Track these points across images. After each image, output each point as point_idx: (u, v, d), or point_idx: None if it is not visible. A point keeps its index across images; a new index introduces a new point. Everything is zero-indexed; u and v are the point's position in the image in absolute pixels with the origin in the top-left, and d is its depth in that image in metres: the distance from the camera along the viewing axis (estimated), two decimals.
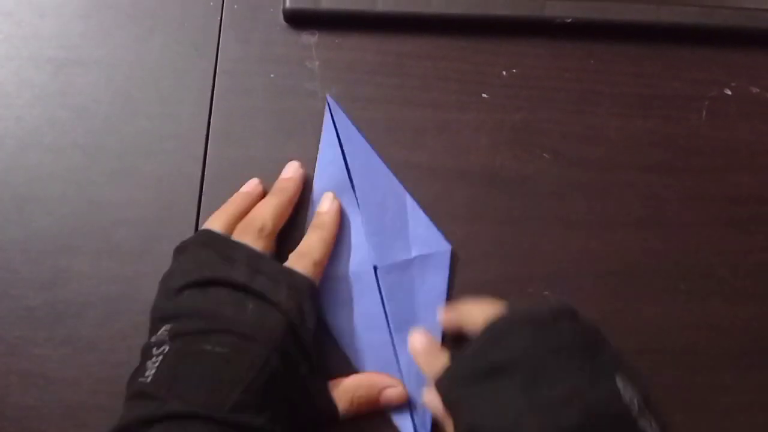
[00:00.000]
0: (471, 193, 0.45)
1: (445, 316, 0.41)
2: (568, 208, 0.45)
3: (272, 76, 0.47)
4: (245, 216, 0.40)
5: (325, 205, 0.43)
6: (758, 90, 0.50)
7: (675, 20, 0.49)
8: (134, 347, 0.40)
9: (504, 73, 0.48)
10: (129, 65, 0.46)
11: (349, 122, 0.45)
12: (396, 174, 0.45)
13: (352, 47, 0.48)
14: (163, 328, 0.35)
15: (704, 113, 0.49)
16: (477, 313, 0.37)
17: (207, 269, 0.36)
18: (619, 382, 0.31)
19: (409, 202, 0.44)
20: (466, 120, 0.47)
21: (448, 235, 0.44)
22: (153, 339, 0.35)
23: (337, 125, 0.45)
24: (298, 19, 0.48)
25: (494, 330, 0.34)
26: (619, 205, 0.46)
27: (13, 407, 0.39)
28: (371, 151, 0.45)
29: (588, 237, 0.45)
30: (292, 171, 0.43)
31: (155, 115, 0.45)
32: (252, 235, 0.39)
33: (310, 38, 0.48)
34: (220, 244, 0.38)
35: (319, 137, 0.45)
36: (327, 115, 0.45)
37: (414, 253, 0.42)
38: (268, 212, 0.40)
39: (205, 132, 0.45)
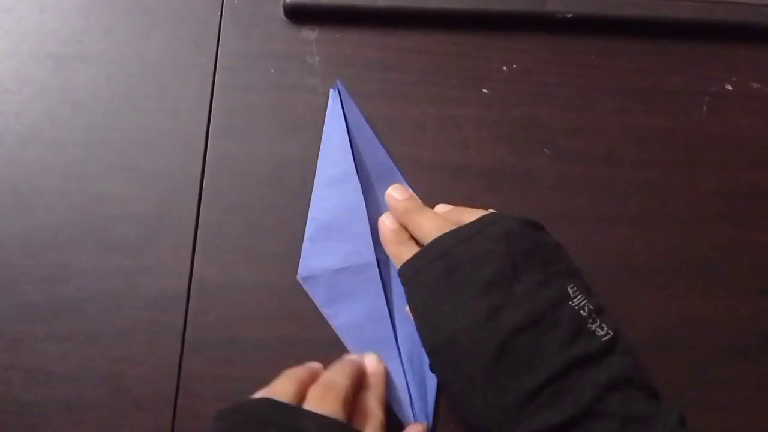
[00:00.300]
0: (471, 188, 0.45)
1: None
2: (569, 203, 0.45)
3: (272, 71, 0.47)
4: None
5: (372, 366, 0.39)
6: (759, 85, 0.50)
7: (676, 15, 0.49)
8: (135, 342, 0.40)
9: (504, 68, 0.48)
10: (129, 61, 0.46)
11: (357, 111, 0.45)
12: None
13: (353, 42, 0.48)
14: None
15: (705, 108, 0.49)
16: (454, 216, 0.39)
17: None
18: (571, 289, 0.34)
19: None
20: (466, 115, 0.47)
21: None
22: None
23: (346, 112, 0.44)
24: (298, 14, 0.48)
25: (461, 232, 0.36)
26: (619, 201, 0.46)
27: (13, 402, 0.39)
28: (377, 142, 0.45)
29: (588, 232, 0.45)
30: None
31: (155, 110, 0.45)
32: (335, 406, 0.33)
33: (310, 33, 0.48)
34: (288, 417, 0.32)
35: (320, 132, 0.45)
36: (335, 101, 0.45)
37: None
38: (347, 380, 0.36)
39: (205, 127, 0.45)
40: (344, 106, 0.44)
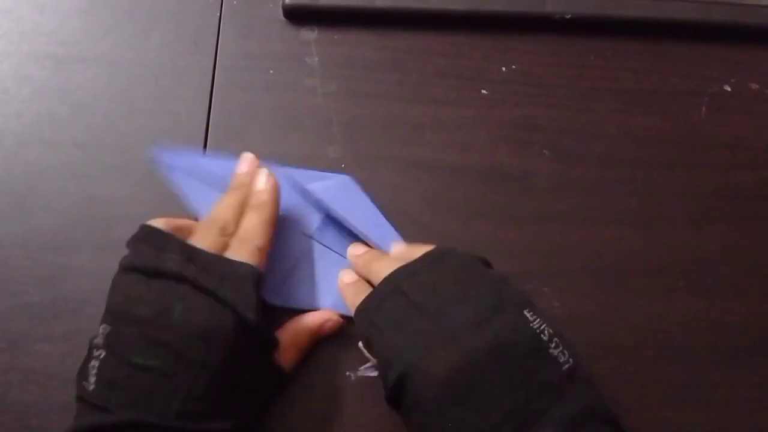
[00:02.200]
0: (470, 189, 0.45)
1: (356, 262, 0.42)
2: (568, 204, 0.45)
3: (271, 71, 0.47)
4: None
5: (261, 182, 0.39)
6: (758, 86, 0.50)
7: (675, 16, 0.49)
8: None
9: (504, 69, 0.48)
10: (129, 61, 0.46)
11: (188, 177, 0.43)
12: (395, 169, 0.45)
13: (352, 43, 0.48)
14: (101, 328, 0.33)
15: (704, 109, 0.49)
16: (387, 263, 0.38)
17: (147, 260, 0.35)
18: (528, 313, 0.33)
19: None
20: (465, 116, 0.47)
21: (446, 231, 0.44)
22: (94, 339, 0.34)
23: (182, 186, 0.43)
24: (297, 15, 0.48)
25: (410, 266, 0.36)
26: (618, 201, 0.46)
27: (12, 403, 0.39)
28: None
29: (587, 233, 0.45)
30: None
31: (155, 111, 0.45)
32: (214, 235, 0.37)
33: (309, 34, 0.48)
34: (161, 241, 0.36)
35: (319, 132, 0.46)
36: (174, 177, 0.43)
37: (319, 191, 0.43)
38: (227, 212, 0.38)
39: (204, 128, 0.45)
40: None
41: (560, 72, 0.48)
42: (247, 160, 0.41)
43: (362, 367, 0.40)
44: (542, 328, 0.32)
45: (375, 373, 0.40)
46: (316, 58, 0.48)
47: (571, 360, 0.32)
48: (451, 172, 0.45)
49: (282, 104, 0.46)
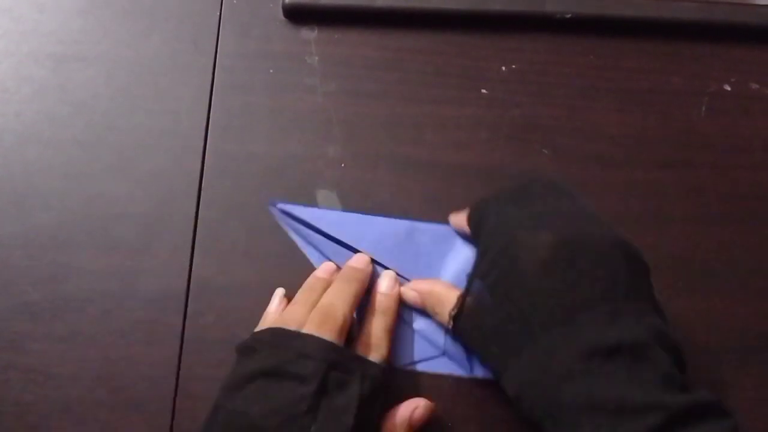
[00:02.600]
0: (470, 188, 0.45)
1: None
2: None
3: (271, 71, 0.47)
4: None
5: (387, 286, 0.41)
6: (758, 86, 0.50)
7: (675, 16, 0.49)
8: (133, 343, 0.40)
9: (503, 68, 0.48)
10: (128, 61, 0.46)
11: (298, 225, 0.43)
12: (395, 169, 0.45)
13: (352, 42, 0.48)
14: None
15: (704, 109, 0.49)
16: None
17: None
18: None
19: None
20: (465, 115, 0.47)
21: None
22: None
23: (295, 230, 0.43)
24: (297, 15, 0.48)
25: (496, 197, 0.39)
26: (617, 201, 0.46)
27: (12, 403, 0.39)
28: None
29: None
30: (363, 263, 0.41)
31: (154, 110, 0.45)
32: (332, 332, 0.36)
33: (309, 33, 0.48)
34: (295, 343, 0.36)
35: (319, 132, 0.46)
36: (283, 222, 0.43)
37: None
38: (346, 306, 0.38)
39: (204, 127, 0.45)
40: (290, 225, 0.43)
41: (560, 71, 0.48)
42: (362, 259, 0.41)
43: None
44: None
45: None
46: (316, 58, 0.48)
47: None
48: (451, 171, 0.45)
49: (282, 103, 0.46)
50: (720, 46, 0.50)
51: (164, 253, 0.42)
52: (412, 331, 0.41)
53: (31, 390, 0.39)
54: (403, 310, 0.41)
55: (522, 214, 0.36)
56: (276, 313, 0.40)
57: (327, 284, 0.40)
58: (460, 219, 0.42)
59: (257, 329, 0.39)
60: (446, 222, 0.44)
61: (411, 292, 0.41)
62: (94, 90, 0.46)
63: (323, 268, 0.41)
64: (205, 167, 0.44)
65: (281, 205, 0.43)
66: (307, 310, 0.38)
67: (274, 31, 0.48)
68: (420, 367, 0.40)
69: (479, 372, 0.40)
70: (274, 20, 0.48)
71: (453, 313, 0.37)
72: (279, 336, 0.36)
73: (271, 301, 0.41)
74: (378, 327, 0.39)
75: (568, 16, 0.48)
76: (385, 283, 0.41)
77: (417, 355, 0.41)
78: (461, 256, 0.42)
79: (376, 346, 0.38)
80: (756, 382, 0.42)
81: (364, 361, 0.37)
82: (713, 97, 0.49)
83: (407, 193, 0.45)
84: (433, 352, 0.41)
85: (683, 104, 0.48)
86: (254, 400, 0.33)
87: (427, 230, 0.43)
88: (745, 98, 0.49)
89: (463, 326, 0.37)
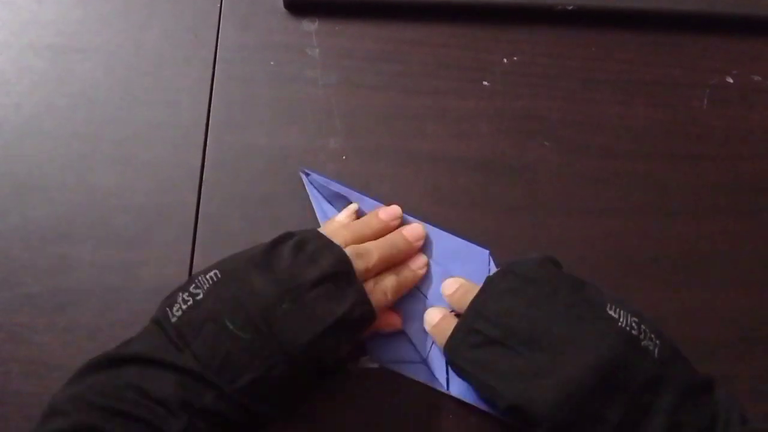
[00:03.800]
0: (471, 180, 0.45)
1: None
2: (569, 195, 0.45)
3: (272, 63, 0.47)
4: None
5: (419, 264, 0.41)
6: (760, 78, 0.49)
7: (677, 8, 0.49)
8: (134, 335, 0.40)
9: (505, 60, 0.48)
10: (128, 52, 0.46)
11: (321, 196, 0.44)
12: (396, 161, 0.45)
13: (353, 34, 0.48)
14: (214, 272, 0.35)
15: (706, 101, 0.48)
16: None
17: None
18: (611, 311, 0.34)
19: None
20: (466, 107, 0.47)
21: (447, 223, 0.43)
22: (200, 276, 0.35)
23: (319, 199, 0.43)
24: (298, 6, 0.48)
25: (478, 300, 0.37)
26: (619, 193, 0.45)
27: (13, 394, 0.39)
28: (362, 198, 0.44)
29: (588, 224, 0.44)
30: (421, 266, 0.41)
31: (155, 102, 0.45)
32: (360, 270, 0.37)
33: (310, 25, 0.48)
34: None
35: (320, 124, 0.45)
36: (310, 189, 0.44)
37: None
38: (380, 262, 0.39)
39: (205, 119, 0.45)
40: (318, 192, 0.44)
41: (562, 63, 0.48)
42: (416, 232, 0.42)
43: (362, 359, 0.40)
44: (629, 321, 0.33)
45: (375, 365, 0.40)
46: (317, 50, 0.47)
47: (657, 341, 0.33)
48: (452, 163, 0.45)
49: (283, 95, 0.46)
50: (722, 38, 0.50)
51: (165, 244, 0.42)
52: (401, 331, 0.41)
53: (32, 382, 0.39)
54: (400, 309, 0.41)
55: (512, 363, 0.35)
56: (341, 225, 0.40)
57: (383, 229, 0.41)
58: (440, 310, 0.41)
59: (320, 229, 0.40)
60: (442, 218, 0.44)
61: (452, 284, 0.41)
62: (93, 82, 0.45)
63: (389, 212, 0.42)
64: (205, 159, 0.44)
65: (313, 176, 0.43)
66: (351, 240, 0.39)
67: (275, 23, 0.48)
68: (398, 368, 0.40)
69: (455, 390, 0.39)
70: (274, 12, 0.48)
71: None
72: (319, 238, 0.37)
73: (341, 212, 0.42)
74: (388, 281, 0.39)
75: (570, 7, 0.48)
76: (421, 262, 0.41)
77: (398, 355, 0.40)
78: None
79: (382, 289, 0.38)
80: (757, 374, 0.42)
81: (362, 295, 0.36)
82: (715, 89, 0.49)
83: (408, 185, 0.44)
84: (414, 357, 0.40)
85: (685, 96, 0.48)
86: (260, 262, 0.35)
87: (429, 232, 0.43)
88: (747, 90, 0.49)
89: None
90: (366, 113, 0.46)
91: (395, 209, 0.42)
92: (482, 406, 0.39)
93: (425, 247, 0.43)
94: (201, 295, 0.34)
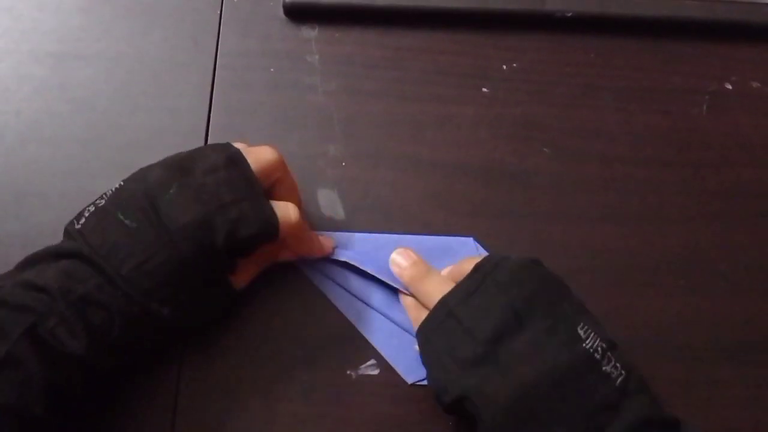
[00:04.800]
0: (470, 187, 0.45)
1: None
2: (568, 202, 0.45)
3: (272, 70, 0.47)
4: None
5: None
6: (759, 84, 0.50)
7: (675, 14, 0.49)
8: None
9: (504, 67, 0.48)
10: (129, 59, 0.46)
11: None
12: (396, 167, 0.45)
13: (352, 41, 0.48)
14: (118, 183, 0.36)
15: (705, 107, 0.49)
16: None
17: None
18: (581, 330, 0.33)
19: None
20: (465, 114, 0.47)
21: (446, 229, 0.44)
22: (107, 191, 0.36)
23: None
24: (297, 13, 0.48)
25: (462, 287, 0.36)
26: (618, 200, 0.46)
27: None
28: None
29: (587, 231, 0.45)
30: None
31: (155, 108, 0.45)
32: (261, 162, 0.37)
33: (310, 32, 0.48)
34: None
35: (319, 131, 0.46)
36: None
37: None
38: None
39: (205, 126, 0.45)
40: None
41: (560, 70, 0.48)
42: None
43: (363, 366, 0.40)
44: (595, 345, 0.33)
45: (376, 372, 0.40)
46: (317, 56, 0.48)
47: (623, 372, 0.33)
48: (452, 170, 0.45)
49: (282, 102, 0.46)
50: (721, 45, 0.50)
51: None
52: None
53: None
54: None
55: (465, 363, 0.34)
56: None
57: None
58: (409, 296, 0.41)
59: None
60: (441, 224, 0.44)
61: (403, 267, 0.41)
62: (94, 88, 0.46)
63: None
64: None
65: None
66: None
67: (275, 30, 0.48)
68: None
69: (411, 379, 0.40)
70: (274, 19, 0.48)
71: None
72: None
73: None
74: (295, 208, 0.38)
75: (569, 14, 0.48)
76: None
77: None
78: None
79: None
80: (756, 380, 0.42)
81: (261, 198, 0.36)
82: (714, 95, 0.49)
83: (407, 191, 0.44)
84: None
85: (684, 103, 0.48)
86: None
87: (411, 241, 0.43)
88: (746, 97, 0.49)
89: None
90: (365, 120, 0.46)
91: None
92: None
93: None
94: (103, 202, 0.35)
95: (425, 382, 0.39)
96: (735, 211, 0.46)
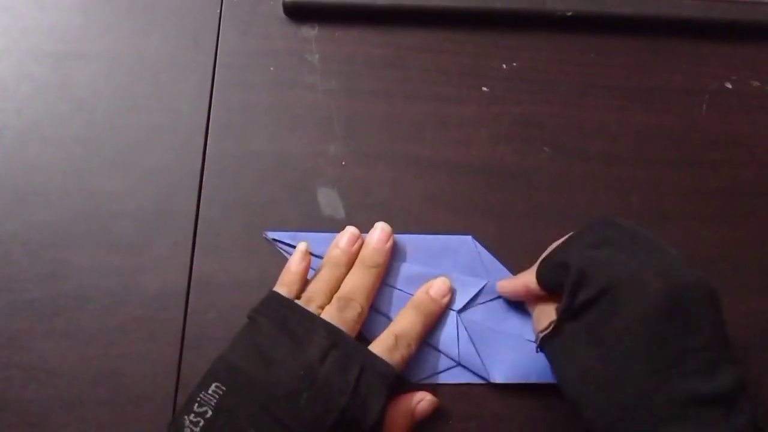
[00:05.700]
0: (470, 186, 0.45)
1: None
2: (568, 201, 0.45)
3: (272, 69, 0.47)
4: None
5: (434, 288, 0.41)
6: (759, 83, 0.50)
7: (676, 13, 0.49)
8: (134, 340, 0.40)
9: (504, 66, 0.48)
10: (129, 58, 0.46)
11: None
12: (396, 167, 0.45)
13: (352, 40, 0.48)
14: (214, 385, 0.34)
15: (705, 107, 0.49)
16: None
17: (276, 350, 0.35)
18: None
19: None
20: (466, 113, 0.47)
21: (447, 228, 0.44)
22: (202, 393, 0.34)
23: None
24: (297, 12, 0.48)
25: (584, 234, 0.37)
26: (619, 199, 0.46)
27: (13, 400, 0.39)
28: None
29: None
30: (384, 239, 0.41)
31: (155, 108, 0.45)
32: (347, 323, 0.37)
33: (309, 31, 0.48)
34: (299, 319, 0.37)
35: (319, 130, 0.46)
36: (281, 249, 0.43)
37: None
38: (364, 294, 0.39)
39: (204, 125, 0.45)
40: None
41: (561, 69, 0.48)
42: (383, 236, 0.41)
43: None
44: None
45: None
46: (317, 55, 0.48)
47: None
48: (452, 169, 0.45)
49: (282, 101, 0.46)
50: (721, 44, 0.50)
51: (165, 250, 0.42)
52: (426, 344, 0.41)
53: (32, 387, 0.39)
54: None
55: (613, 258, 0.34)
56: (296, 272, 0.39)
57: (351, 259, 0.40)
58: (514, 284, 0.40)
59: (277, 288, 0.39)
60: (441, 223, 0.44)
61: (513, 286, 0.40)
62: (94, 88, 0.46)
63: (347, 239, 0.41)
64: (205, 165, 0.44)
65: (272, 234, 0.43)
66: (330, 290, 0.39)
67: (275, 29, 0.48)
68: (437, 380, 0.40)
69: (498, 378, 0.40)
70: (274, 18, 0.48)
71: (542, 335, 0.36)
72: (294, 311, 0.37)
73: (293, 256, 0.40)
74: (414, 320, 0.39)
75: (569, 13, 0.48)
76: (436, 285, 0.41)
77: (433, 368, 0.40)
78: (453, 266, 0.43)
79: (405, 336, 0.38)
80: (757, 379, 0.42)
81: (372, 354, 0.37)
82: (714, 94, 0.49)
83: (408, 191, 0.45)
84: (448, 363, 0.40)
85: (684, 102, 0.48)
86: (256, 359, 0.35)
87: (410, 240, 0.43)
88: (747, 96, 0.49)
89: (550, 351, 0.36)
90: (366, 119, 0.46)
91: (352, 232, 0.41)
92: (527, 380, 0.40)
93: (413, 255, 0.42)
94: (210, 413, 0.33)
95: (428, 381, 0.40)
96: (735, 210, 0.46)
